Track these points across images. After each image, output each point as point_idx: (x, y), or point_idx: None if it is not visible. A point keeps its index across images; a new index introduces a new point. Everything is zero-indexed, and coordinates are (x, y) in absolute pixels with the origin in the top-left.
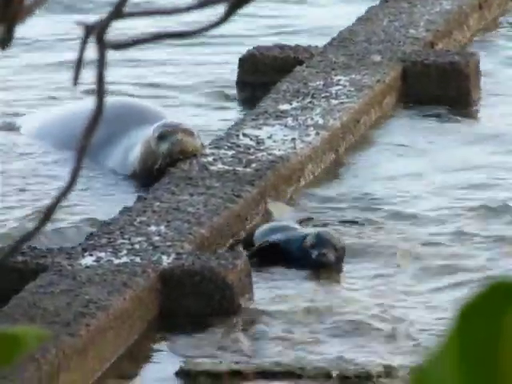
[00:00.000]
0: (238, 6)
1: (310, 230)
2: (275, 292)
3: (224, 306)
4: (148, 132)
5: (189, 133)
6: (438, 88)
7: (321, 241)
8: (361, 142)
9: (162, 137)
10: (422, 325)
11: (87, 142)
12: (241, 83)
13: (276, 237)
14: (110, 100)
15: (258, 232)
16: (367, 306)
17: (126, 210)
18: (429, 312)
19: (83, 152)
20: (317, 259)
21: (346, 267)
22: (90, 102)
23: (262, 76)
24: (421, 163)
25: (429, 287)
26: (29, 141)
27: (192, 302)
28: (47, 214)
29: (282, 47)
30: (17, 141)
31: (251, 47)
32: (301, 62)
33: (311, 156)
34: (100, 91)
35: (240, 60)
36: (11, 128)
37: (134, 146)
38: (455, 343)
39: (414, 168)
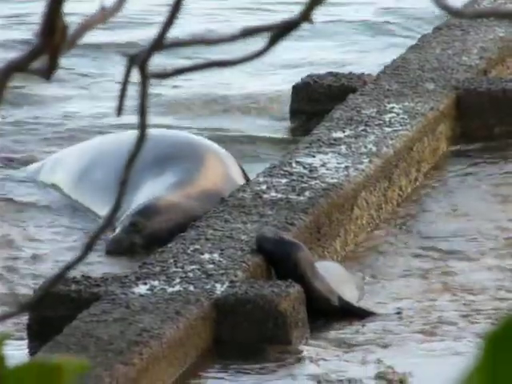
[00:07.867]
0: (280, 36)
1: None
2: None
3: (277, 334)
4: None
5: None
6: (492, 116)
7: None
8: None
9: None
10: None
11: (129, 173)
12: (294, 111)
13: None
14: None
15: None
16: None
17: (179, 238)
18: None
19: (125, 183)
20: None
21: None
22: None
23: (316, 104)
24: None
25: None
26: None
27: (245, 330)
28: (90, 242)
29: (335, 75)
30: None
31: (305, 75)
32: (354, 90)
33: (364, 184)
34: (142, 121)
35: (293, 88)
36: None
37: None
38: (486, 369)
39: None
